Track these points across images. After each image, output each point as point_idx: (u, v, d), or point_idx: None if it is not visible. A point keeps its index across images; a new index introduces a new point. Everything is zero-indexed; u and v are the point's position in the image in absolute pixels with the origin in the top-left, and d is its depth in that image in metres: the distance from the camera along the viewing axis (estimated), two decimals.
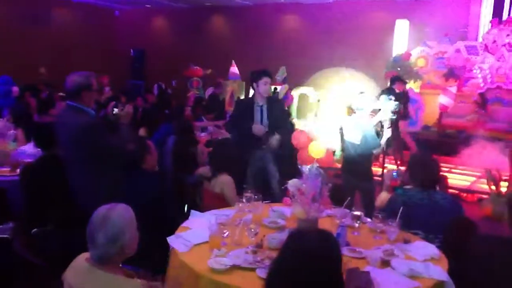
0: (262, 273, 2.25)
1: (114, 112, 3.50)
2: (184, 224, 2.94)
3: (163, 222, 3.12)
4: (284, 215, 3.16)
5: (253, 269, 2.35)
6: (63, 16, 15.08)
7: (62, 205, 3.34)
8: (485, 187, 7.10)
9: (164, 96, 10.50)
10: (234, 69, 12.40)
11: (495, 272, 2.04)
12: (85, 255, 2.03)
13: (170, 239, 2.68)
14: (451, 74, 10.18)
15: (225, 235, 2.70)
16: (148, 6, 15.59)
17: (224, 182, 3.71)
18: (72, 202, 3.27)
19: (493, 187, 6.51)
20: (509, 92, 9.52)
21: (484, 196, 6.58)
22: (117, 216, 1.96)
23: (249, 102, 5.03)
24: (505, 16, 10.35)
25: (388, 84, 8.04)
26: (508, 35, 9.93)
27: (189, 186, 4.20)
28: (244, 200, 3.18)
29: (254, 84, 4.91)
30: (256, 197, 3.18)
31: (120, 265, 2.09)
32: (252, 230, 2.70)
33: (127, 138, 3.40)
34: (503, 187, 6.28)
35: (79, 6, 15.16)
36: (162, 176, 4.22)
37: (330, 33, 12.36)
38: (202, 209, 3.39)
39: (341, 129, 4.92)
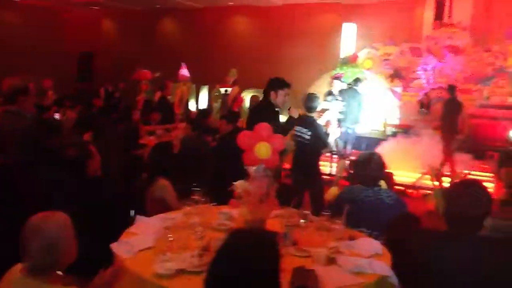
0: None
1: (55, 117, 3.38)
2: (129, 230, 2.87)
3: (108, 228, 3.02)
4: (232, 217, 3.14)
5: (199, 273, 2.31)
6: (8, 17, 14.47)
7: None
8: (429, 183, 7.40)
9: (111, 99, 10.25)
10: (184, 71, 12.28)
11: (432, 266, 2.10)
12: (19, 266, 1.94)
13: (114, 246, 2.60)
14: (397, 75, 10.53)
15: (171, 239, 2.64)
16: (96, 8, 15.20)
17: (162, 187, 3.63)
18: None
19: (436, 183, 6.78)
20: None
21: (428, 192, 6.83)
22: (52, 224, 1.88)
23: (271, 108, 4.64)
24: (446, 19, 10.79)
25: (333, 84, 8.20)
26: (449, 37, 10.38)
27: (136, 190, 4.09)
28: (191, 203, 3.13)
29: (273, 92, 4.64)
30: (203, 199, 3.14)
31: (60, 273, 2.00)
32: (199, 233, 2.66)
33: (67, 142, 3.28)
34: (446, 182, 6.56)
35: (25, 7, 14.58)
36: (107, 181, 4.09)
37: (280, 35, 12.49)
38: (148, 215, 3.31)
39: (291, 129, 4.97)
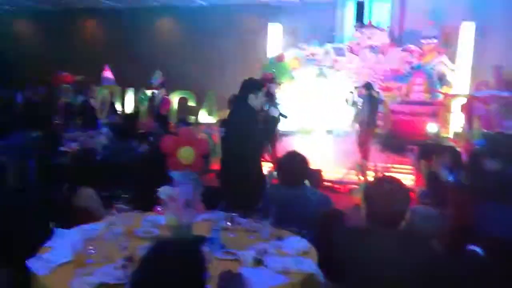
0: None
1: None
2: (47, 244, 2.70)
3: (23, 244, 2.83)
4: (158, 223, 3.06)
5: (123, 285, 2.22)
6: None
7: None
8: (355, 178, 7.69)
9: (29, 105, 9.66)
10: (108, 73, 11.89)
11: (353, 261, 2.16)
12: None
13: (29, 262, 2.44)
14: (322, 74, 10.83)
15: (92, 251, 2.52)
16: (8, 7, 14.30)
17: (86, 196, 3.48)
18: None
19: (361, 177, 7.05)
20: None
21: (354, 186, 7.07)
22: None
23: (253, 112, 4.44)
24: (366, 20, 11.25)
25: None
26: (369, 37, 10.82)
27: (57, 202, 3.88)
28: (114, 211, 3.01)
29: (253, 95, 4.39)
30: (128, 207, 3.03)
31: None
32: (122, 243, 2.56)
33: None
34: (371, 176, 6.84)
35: None
36: (25, 192, 3.84)
37: (207, 35, 12.42)
38: (72, 227, 3.15)
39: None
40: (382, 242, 2.11)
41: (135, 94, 11.90)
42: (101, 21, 14.22)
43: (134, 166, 4.68)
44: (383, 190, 2.11)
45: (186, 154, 2.70)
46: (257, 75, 9.10)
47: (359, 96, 8.67)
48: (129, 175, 4.19)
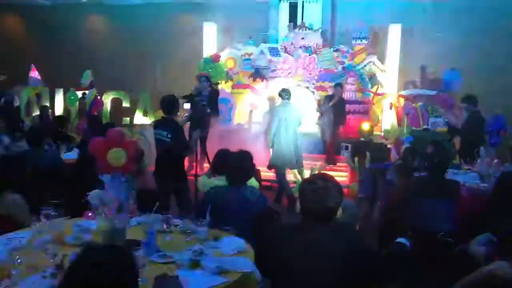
0: None
1: None
2: None
3: None
4: (90, 229, 2.94)
5: None
6: None
7: None
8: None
9: None
10: (34, 73, 11.32)
11: (289, 254, 2.19)
12: None
13: None
14: (258, 74, 10.91)
15: (18, 261, 2.38)
16: None
17: (10, 202, 3.28)
18: None
19: (299, 176, 7.15)
20: (307, 89, 10.59)
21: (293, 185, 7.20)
22: None
23: None
24: (299, 21, 11.45)
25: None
26: (302, 38, 11.02)
27: None
28: (42, 218, 2.86)
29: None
30: (56, 213, 2.89)
31: None
32: (50, 250, 2.44)
33: None
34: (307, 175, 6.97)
35: None
36: None
37: (140, 35, 12.14)
38: None
39: (155, 132, 4.84)
40: (314, 235, 2.16)
41: (64, 94, 11.41)
42: (26, 18, 13.48)
43: (60, 172, 4.48)
44: (316, 187, 2.15)
45: (115, 156, 2.61)
46: (192, 75, 9.05)
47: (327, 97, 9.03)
48: (57, 181, 4.00)
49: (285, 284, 2.22)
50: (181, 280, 2.26)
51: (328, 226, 2.17)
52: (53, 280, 2.24)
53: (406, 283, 2.90)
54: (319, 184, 2.15)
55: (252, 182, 3.89)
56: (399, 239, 2.61)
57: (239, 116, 10.64)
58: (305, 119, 7.96)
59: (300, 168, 7.21)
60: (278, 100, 7.47)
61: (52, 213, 2.88)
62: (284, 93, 7.12)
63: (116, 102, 11.54)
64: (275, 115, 7.16)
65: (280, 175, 7.00)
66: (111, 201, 2.60)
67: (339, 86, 9.20)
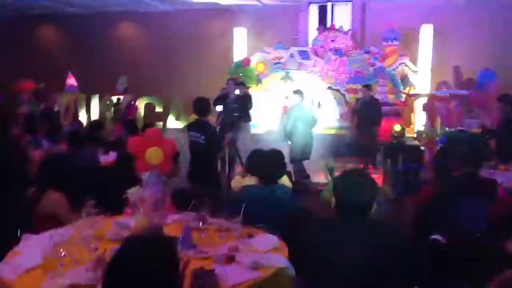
0: None
1: None
2: (15, 249, 2.66)
3: None
4: (128, 226, 3.04)
5: (94, 286, 2.22)
6: None
7: None
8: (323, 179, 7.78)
9: None
10: (71, 80, 11.68)
11: (324, 252, 2.22)
12: None
13: None
14: (288, 77, 10.94)
15: (62, 255, 2.49)
16: None
17: (53, 201, 3.42)
18: None
19: (330, 178, 7.14)
20: (338, 92, 10.57)
21: (321, 188, 7.18)
22: None
23: None
24: (328, 23, 11.45)
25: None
26: (332, 40, 11.02)
27: (22, 207, 3.80)
28: (83, 216, 2.98)
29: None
30: (97, 211, 3.00)
31: None
32: (92, 245, 2.54)
33: None
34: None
35: None
36: None
37: (171, 41, 12.37)
38: (38, 233, 3.09)
39: (188, 135, 4.94)
40: (351, 231, 2.18)
41: (100, 100, 11.74)
42: (62, 27, 13.92)
43: (101, 172, 4.63)
44: (352, 181, 2.17)
45: (153, 154, 2.70)
46: (223, 79, 9.16)
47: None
48: (97, 180, 4.14)
49: (321, 280, 2.24)
50: (218, 274, 2.32)
51: (365, 221, 2.18)
52: (95, 273, 2.34)
53: (442, 282, 2.87)
54: (354, 179, 2.17)
55: (284, 181, 3.94)
56: (434, 236, 2.60)
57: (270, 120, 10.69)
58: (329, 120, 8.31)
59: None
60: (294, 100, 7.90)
61: (92, 211, 3.00)
62: (297, 94, 7.68)
63: (149, 107, 11.79)
64: (290, 114, 7.74)
65: (297, 168, 7.35)
66: (149, 199, 2.69)
67: (365, 87, 9.11)
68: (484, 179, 4.12)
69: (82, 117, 11.48)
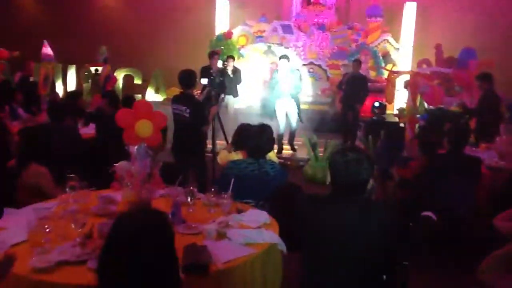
0: (93, 264, 2.06)
1: None
2: None
3: None
4: (115, 200, 2.97)
5: (83, 262, 2.16)
6: None
7: None
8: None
9: None
10: (47, 49, 11.30)
11: (316, 228, 2.20)
12: None
13: None
14: (270, 51, 10.82)
15: (48, 230, 2.41)
16: None
17: (37, 173, 3.30)
18: None
19: (312, 154, 7.14)
20: (319, 67, 10.52)
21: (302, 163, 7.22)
22: None
23: None
24: None
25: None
26: (316, 15, 10.91)
27: (2, 180, 3.67)
28: (68, 190, 2.89)
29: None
30: (81, 184, 2.92)
31: None
32: (79, 220, 2.47)
33: None
34: (321, 153, 6.97)
35: None
36: None
37: (152, 12, 12.08)
38: (19, 207, 3.00)
39: (173, 108, 4.83)
40: (344, 209, 2.16)
41: (78, 71, 11.41)
42: None
43: (81, 145, 4.50)
44: (348, 159, 2.14)
45: (143, 127, 2.62)
46: (205, 52, 9.00)
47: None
48: (81, 153, 4.02)
49: (315, 257, 2.23)
50: (210, 250, 2.28)
51: (360, 199, 2.17)
52: (83, 248, 2.27)
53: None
54: (351, 156, 2.13)
55: (272, 156, 3.91)
56: (425, 213, 2.61)
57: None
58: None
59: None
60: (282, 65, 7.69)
61: (77, 185, 2.92)
62: (285, 58, 7.54)
63: (128, 79, 11.54)
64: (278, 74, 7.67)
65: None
66: (138, 172, 2.61)
67: (355, 61, 8.98)
68: (469, 157, 4.17)
69: (59, 88, 11.17)
